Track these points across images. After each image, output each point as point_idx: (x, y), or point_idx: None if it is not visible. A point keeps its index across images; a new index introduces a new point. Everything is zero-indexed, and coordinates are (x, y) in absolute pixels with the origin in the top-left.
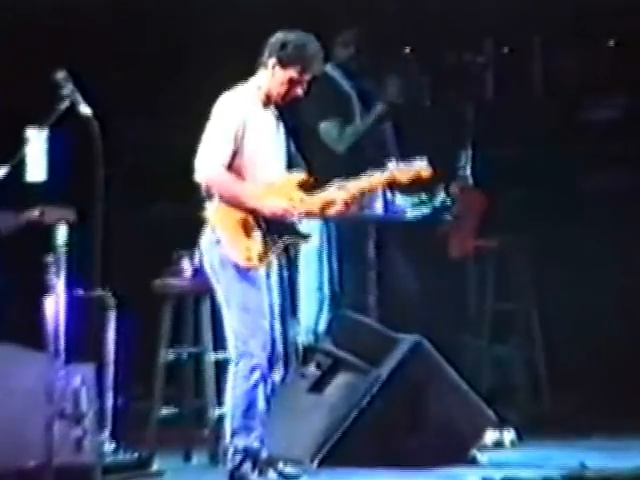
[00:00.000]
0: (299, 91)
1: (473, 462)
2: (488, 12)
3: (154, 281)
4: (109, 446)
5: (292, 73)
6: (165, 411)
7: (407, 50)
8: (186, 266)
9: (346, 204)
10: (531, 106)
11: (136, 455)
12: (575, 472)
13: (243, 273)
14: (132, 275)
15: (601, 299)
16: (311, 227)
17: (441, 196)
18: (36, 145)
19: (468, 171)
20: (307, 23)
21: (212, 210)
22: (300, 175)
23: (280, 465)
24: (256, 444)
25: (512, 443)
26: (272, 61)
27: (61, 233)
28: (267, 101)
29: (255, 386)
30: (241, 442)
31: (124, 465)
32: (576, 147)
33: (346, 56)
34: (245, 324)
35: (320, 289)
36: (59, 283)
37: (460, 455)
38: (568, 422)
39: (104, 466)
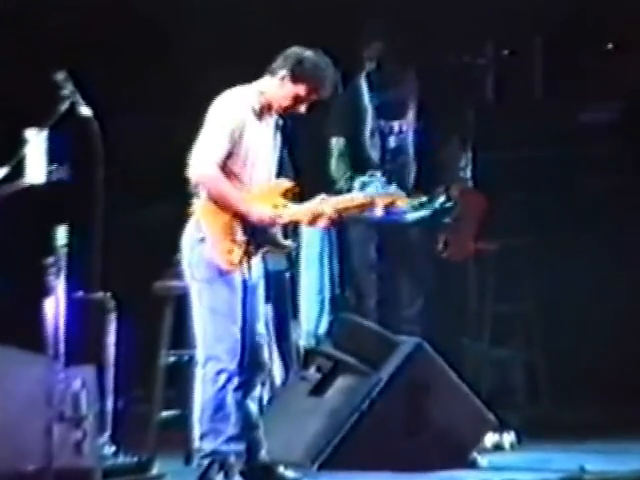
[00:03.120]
0: (301, 108)
1: (473, 465)
2: (489, 15)
3: (154, 283)
4: (109, 449)
5: (301, 90)
6: (165, 414)
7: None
8: None
9: (331, 219)
10: (531, 109)
11: (136, 458)
12: (575, 475)
13: (220, 274)
14: (132, 277)
15: (601, 302)
16: (312, 230)
17: (441, 198)
18: (35, 146)
19: (468, 173)
20: (302, 26)
21: (199, 207)
22: (286, 183)
23: (280, 468)
24: (224, 447)
25: (512, 446)
26: (283, 73)
27: (61, 235)
28: (267, 108)
29: (222, 389)
30: (209, 445)
31: (124, 468)
32: (576, 150)
33: (370, 69)
34: (213, 327)
35: (321, 292)
36: (59, 285)
37: (460, 458)
38: (568, 425)
39: (104, 469)
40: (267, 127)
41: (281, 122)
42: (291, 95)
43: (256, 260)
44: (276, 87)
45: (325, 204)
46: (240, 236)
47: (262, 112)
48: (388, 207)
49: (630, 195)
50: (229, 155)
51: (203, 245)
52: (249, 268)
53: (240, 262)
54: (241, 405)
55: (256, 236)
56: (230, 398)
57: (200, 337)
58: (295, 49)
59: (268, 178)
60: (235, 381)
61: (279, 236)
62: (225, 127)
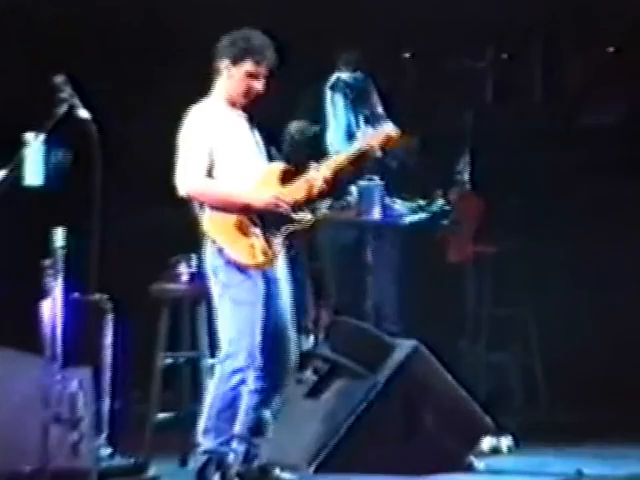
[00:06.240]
0: (258, 85)
1: (470, 468)
2: (488, 18)
3: (151, 285)
4: (105, 451)
5: (247, 67)
6: (162, 416)
7: (407, 56)
8: (183, 271)
9: (327, 182)
10: (530, 112)
11: (132, 460)
12: (572, 479)
13: (244, 272)
14: (129, 279)
15: (599, 306)
16: None
17: (439, 201)
18: (34, 149)
19: (466, 177)
20: (301, 26)
21: (206, 221)
22: (280, 166)
23: (276, 470)
24: (224, 447)
25: (509, 449)
26: (225, 62)
27: (58, 237)
28: (233, 106)
29: (233, 389)
30: (209, 443)
31: (120, 470)
32: (575, 153)
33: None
34: (236, 323)
35: None
36: (56, 287)
37: (457, 461)
38: (565, 429)
39: (100, 471)
40: (241, 124)
41: (253, 118)
42: (242, 76)
43: (281, 245)
44: (226, 80)
45: (319, 170)
46: (254, 229)
47: (231, 112)
48: (386, 146)
49: (630, 198)
50: (211, 167)
51: (223, 254)
52: (275, 258)
53: (265, 253)
54: (255, 410)
55: (269, 223)
56: (239, 400)
57: (223, 335)
58: (223, 38)
59: (259, 170)
60: (250, 383)
61: (292, 213)
62: (200, 142)
